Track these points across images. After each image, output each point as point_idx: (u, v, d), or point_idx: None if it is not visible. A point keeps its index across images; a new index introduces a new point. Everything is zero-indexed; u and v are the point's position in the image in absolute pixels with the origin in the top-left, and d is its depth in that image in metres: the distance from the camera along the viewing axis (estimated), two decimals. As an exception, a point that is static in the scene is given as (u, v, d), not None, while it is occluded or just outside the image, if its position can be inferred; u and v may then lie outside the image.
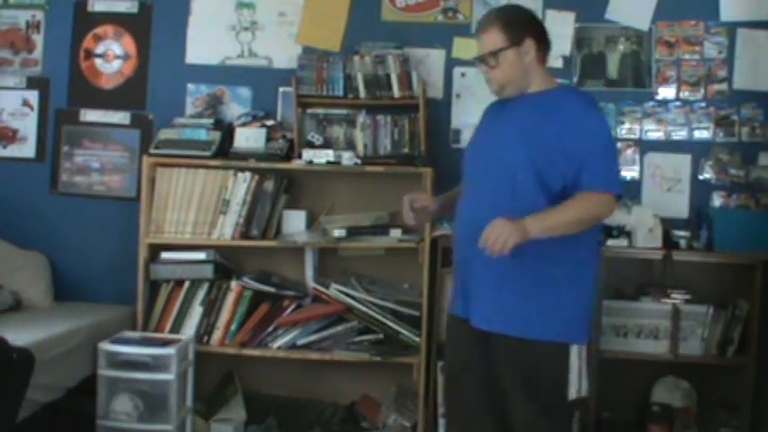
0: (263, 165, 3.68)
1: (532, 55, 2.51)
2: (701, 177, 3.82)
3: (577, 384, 2.44)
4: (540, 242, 2.33)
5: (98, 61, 4.04)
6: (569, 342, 2.43)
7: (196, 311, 3.69)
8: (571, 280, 2.44)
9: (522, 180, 2.41)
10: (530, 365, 2.40)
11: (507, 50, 2.48)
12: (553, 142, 2.40)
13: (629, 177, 3.85)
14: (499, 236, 2.27)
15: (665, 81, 3.85)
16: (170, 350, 3.35)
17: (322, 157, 3.61)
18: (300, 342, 3.62)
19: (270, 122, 3.83)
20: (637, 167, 3.85)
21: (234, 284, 3.69)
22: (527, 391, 2.40)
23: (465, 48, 3.89)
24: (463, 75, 3.88)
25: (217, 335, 3.68)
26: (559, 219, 2.35)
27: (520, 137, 2.44)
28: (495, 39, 2.50)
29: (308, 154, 3.63)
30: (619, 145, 3.85)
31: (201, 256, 3.70)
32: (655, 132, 3.85)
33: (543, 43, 2.54)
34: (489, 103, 2.68)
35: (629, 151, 3.86)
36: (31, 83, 4.06)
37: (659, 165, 3.84)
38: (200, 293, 3.70)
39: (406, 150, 3.75)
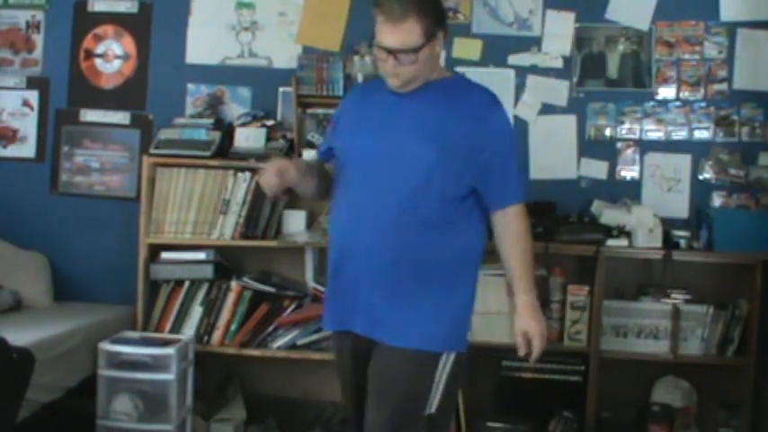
0: (263, 165, 3.66)
1: (441, 45, 2.32)
2: (700, 177, 3.82)
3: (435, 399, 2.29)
4: (416, 248, 2.25)
5: (98, 61, 4.04)
6: (438, 351, 2.28)
7: (196, 311, 3.69)
8: (448, 286, 2.32)
9: (427, 184, 2.23)
10: (390, 373, 2.27)
11: (426, 47, 2.22)
12: (461, 144, 2.24)
13: (629, 177, 3.85)
14: (542, 340, 2.28)
15: (665, 81, 3.85)
16: (170, 350, 3.35)
17: (322, 157, 3.61)
18: (300, 342, 3.62)
19: (270, 122, 3.83)
20: (637, 167, 3.85)
21: (234, 284, 3.69)
22: (382, 398, 2.27)
23: (465, 48, 3.89)
24: (463, 75, 3.88)
25: (217, 335, 3.68)
26: (531, 270, 2.35)
27: (426, 135, 2.24)
28: (414, 34, 2.20)
29: (308, 154, 3.63)
30: (619, 145, 3.86)
31: (201, 256, 3.70)
32: (655, 132, 3.85)
33: (446, 30, 2.35)
34: (358, 88, 2.49)
35: (629, 151, 3.86)
36: (31, 83, 4.06)
37: (659, 165, 3.84)
38: (200, 293, 3.70)
39: (406, 150, 3.75)
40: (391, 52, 2.20)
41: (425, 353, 2.26)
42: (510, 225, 2.33)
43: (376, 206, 2.25)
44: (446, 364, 2.28)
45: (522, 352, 2.28)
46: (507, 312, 3.58)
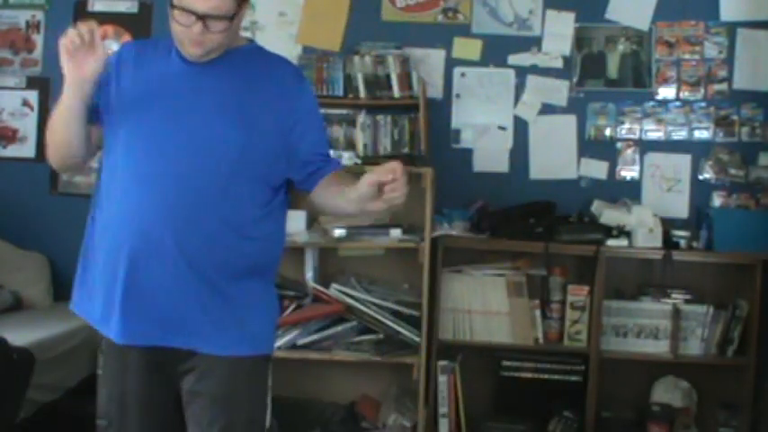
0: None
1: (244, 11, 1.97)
2: (701, 177, 3.82)
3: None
4: (228, 248, 1.95)
5: (98, 61, 4.04)
6: (269, 354, 2.10)
7: (196, 311, 3.68)
8: (265, 280, 2.09)
9: (236, 173, 1.92)
10: (227, 384, 2.01)
11: (239, 13, 1.91)
12: (270, 123, 1.96)
13: (629, 177, 3.85)
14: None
15: (665, 81, 3.85)
16: (170, 350, 3.34)
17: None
18: (300, 342, 3.62)
19: (270, 122, 3.82)
20: (637, 167, 3.85)
21: (234, 284, 3.68)
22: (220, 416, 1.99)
23: (465, 48, 3.89)
24: (463, 75, 3.88)
25: (217, 335, 3.67)
26: None
27: (229, 117, 1.93)
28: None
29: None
30: (619, 145, 3.86)
31: (201, 256, 3.69)
32: (655, 132, 3.85)
33: None
34: (133, 46, 2.12)
35: (629, 151, 3.86)
36: (31, 83, 4.06)
37: (659, 165, 3.84)
38: (200, 293, 3.69)
39: (406, 150, 3.75)
40: (200, 17, 1.84)
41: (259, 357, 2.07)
42: (341, 175, 2.09)
43: (175, 204, 1.89)
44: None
45: (387, 177, 1.88)
46: (507, 312, 3.59)
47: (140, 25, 4.02)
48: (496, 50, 3.88)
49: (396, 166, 1.88)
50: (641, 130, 3.86)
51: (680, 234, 3.60)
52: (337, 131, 3.84)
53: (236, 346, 2.00)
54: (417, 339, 3.53)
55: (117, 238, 1.92)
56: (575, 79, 3.87)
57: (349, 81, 3.76)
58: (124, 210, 1.92)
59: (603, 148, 3.87)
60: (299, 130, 2.00)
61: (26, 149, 4.07)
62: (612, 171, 3.86)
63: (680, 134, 3.84)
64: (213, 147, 1.91)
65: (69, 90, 1.96)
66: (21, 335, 3.00)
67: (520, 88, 3.88)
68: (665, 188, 3.84)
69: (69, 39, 1.88)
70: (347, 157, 3.60)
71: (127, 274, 1.91)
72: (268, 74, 2.01)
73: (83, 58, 1.89)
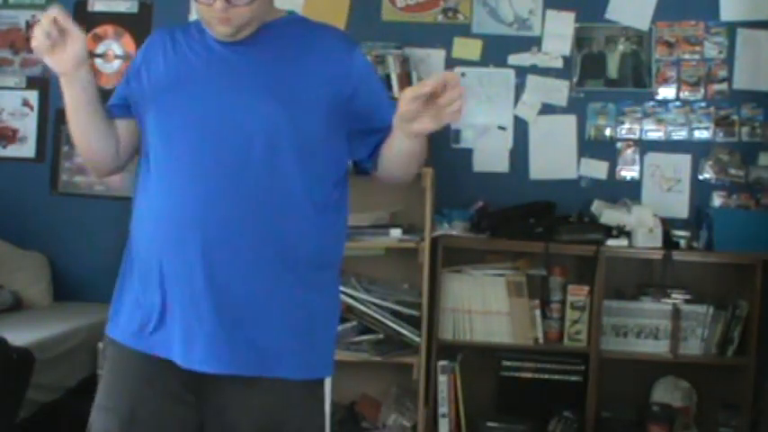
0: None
1: None
2: (700, 177, 3.82)
3: None
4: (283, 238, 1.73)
5: (98, 61, 4.04)
6: (323, 377, 1.83)
7: (196, 311, 3.68)
8: (328, 296, 1.85)
9: (286, 159, 1.72)
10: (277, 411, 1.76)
11: None
12: (318, 95, 1.76)
13: (629, 177, 3.85)
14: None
15: (665, 81, 3.85)
16: (170, 350, 3.34)
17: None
18: (300, 342, 3.62)
19: (270, 122, 3.82)
20: (637, 167, 3.85)
21: (234, 284, 3.68)
22: None
23: (465, 48, 3.89)
24: (463, 75, 3.88)
25: (217, 335, 3.67)
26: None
27: (266, 90, 1.73)
28: None
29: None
30: (619, 145, 3.86)
31: (201, 256, 3.69)
32: (655, 132, 3.85)
33: None
34: (167, 31, 1.87)
35: (629, 151, 3.86)
36: (31, 83, 4.06)
37: (659, 165, 3.84)
38: (201, 293, 3.69)
39: (405, 150, 3.75)
40: None
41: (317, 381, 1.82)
42: None
43: (219, 199, 1.70)
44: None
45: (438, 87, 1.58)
46: (507, 312, 3.58)
47: (140, 25, 4.02)
48: (496, 50, 3.88)
49: (449, 74, 1.66)
50: (641, 130, 3.86)
51: (680, 234, 3.60)
52: (337, 131, 3.84)
53: (308, 365, 1.77)
54: (417, 339, 3.53)
55: (181, 245, 1.69)
56: (575, 79, 3.87)
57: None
58: (178, 208, 1.71)
59: (603, 148, 3.87)
60: (360, 98, 1.81)
61: (26, 149, 4.07)
62: (612, 171, 3.86)
63: (680, 134, 3.84)
64: (254, 126, 1.71)
65: (63, 81, 1.82)
66: (21, 335, 3.00)
67: (520, 88, 3.88)
68: (665, 188, 3.84)
69: (38, 41, 1.69)
70: (347, 157, 3.60)
71: (213, 283, 1.68)
72: (311, 44, 1.82)
73: (60, 49, 1.71)
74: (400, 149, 1.74)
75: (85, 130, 1.84)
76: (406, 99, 1.61)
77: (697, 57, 3.83)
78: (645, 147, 3.85)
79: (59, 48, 1.71)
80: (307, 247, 1.75)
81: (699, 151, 3.83)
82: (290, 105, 1.72)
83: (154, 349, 1.73)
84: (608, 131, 3.87)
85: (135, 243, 1.81)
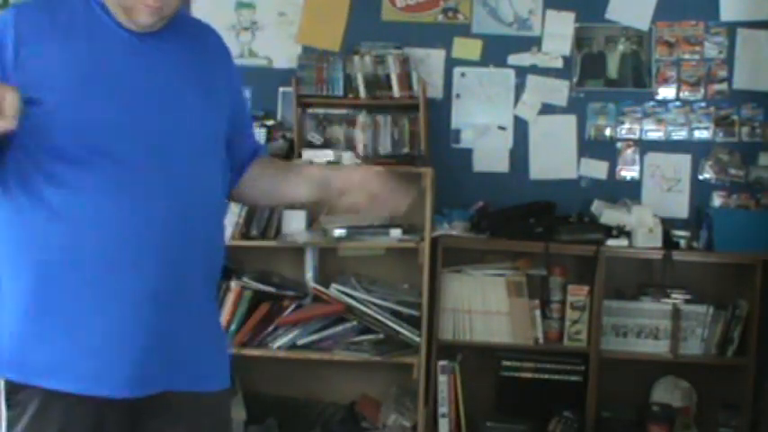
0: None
1: None
2: (701, 177, 3.82)
3: None
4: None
5: (98, 61, 4.04)
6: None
7: (196, 311, 3.68)
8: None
9: (211, 154, 1.63)
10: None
11: None
12: (224, 95, 1.68)
13: (629, 177, 3.85)
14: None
15: (665, 81, 3.85)
16: (170, 350, 3.34)
17: (322, 157, 3.60)
18: (300, 342, 3.62)
19: (270, 122, 3.83)
20: (637, 167, 3.85)
21: (234, 284, 3.68)
22: None
23: (465, 48, 3.89)
24: (463, 75, 3.88)
25: (217, 335, 3.67)
26: None
27: (195, 88, 1.61)
28: None
29: (307, 154, 3.62)
30: (619, 145, 3.86)
31: (201, 256, 3.69)
32: (655, 132, 3.85)
33: None
34: (31, 10, 1.55)
35: (629, 151, 3.86)
36: (31, 83, 4.05)
37: (659, 165, 3.84)
38: (200, 293, 3.69)
39: (406, 150, 3.75)
40: None
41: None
42: (273, 160, 1.90)
43: (167, 204, 1.53)
44: None
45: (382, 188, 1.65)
46: (507, 312, 3.58)
47: (140, 25, 4.01)
48: (496, 50, 3.88)
49: (382, 173, 1.67)
50: (641, 130, 3.86)
51: (680, 234, 3.60)
52: (337, 131, 3.85)
53: (219, 376, 1.68)
54: (417, 339, 3.53)
55: (112, 264, 1.49)
56: (575, 79, 3.87)
57: (349, 81, 3.76)
58: (105, 227, 1.49)
59: (603, 148, 3.87)
60: (237, 104, 1.74)
61: (26, 149, 4.07)
62: (612, 171, 3.86)
63: (680, 134, 3.84)
64: (192, 127, 1.57)
65: None
66: (21, 335, 3.00)
67: (520, 88, 3.88)
68: (665, 188, 3.84)
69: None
70: (347, 158, 3.60)
71: (140, 305, 1.53)
72: (206, 40, 1.72)
73: None
74: (291, 195, 1.77)
75: None
76: (353, 181, 1.67)
77: (697, 57, 3.83)
78: (645, 147, 3.85)
79: None
80: (221, 252, 1.69)
81: (699, 151, 3.83)
82: (212, 104, 1.62)
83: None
84: (608, 131, 3.87)
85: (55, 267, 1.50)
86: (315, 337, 3.61)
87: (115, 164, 1.49)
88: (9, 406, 1.53)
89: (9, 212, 1.51)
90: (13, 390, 1.52)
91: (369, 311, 3.58)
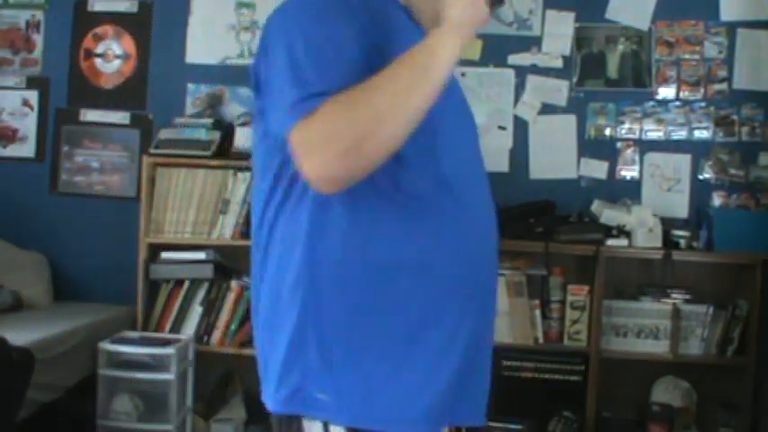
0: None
1: None
2: (701, 177, 3.82)
3: None
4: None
5: (98, 61, 4.04)
6: None
7: (196, 311, 3.69)
8: None
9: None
10: None
11: None
12: None
13: (629, 177, 3.85)
14: None
15: (665, 81, 3.85)
16: (170, 350, 3.35)
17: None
18: (300, 342, 3.62)
19: (270, 122, 3.82)
20: (637, 167, 3.85)
21: (234, 284, 3.69)
22: None
23: (465, 47, 3.88)
24: (463, 74, 3.88)
25: (217, 335, 3.68)
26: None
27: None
28: None
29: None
30: (619, 145, 3.86)
31: (201, 255, 3.69)
32: (655, 132, 3.85)
33: None
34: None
35: (629, 151, 3.86)
36: (31, 83, 4.06)
37: (659, 165, 3.84)
38: (200, 293, 3.70)
39: (406, 150, 3.75)
40: None
41: None
42: None
43: (485, 231, 1.53)
44: None
45: None
46: (507, 312, 3.58)
47: (140, 25, 4.01)
48: (496, 50, 3.88)
49: None
50: (641, 130, 3.86)
51: (680, 234, 3.60)
52: (337, 131, 3.84)
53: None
54: (417, 339, 3.52)
55: (462, 286, 1.45)
56: (575, 79, 3.87)
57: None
58: (452, 237, 1.44)
59: (603, 148, 3.87)
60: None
61: (26, 149, 4.07)
62: (612, 171, 3.86)
63: (680, 134, 3.84)
64: (479, 145, 1.55)
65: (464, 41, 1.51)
66: (21, 335, 3.00)
67: (520, 88, 3.88)
68: (665, 188, 3.84)
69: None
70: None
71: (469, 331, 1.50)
72: None
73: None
74: None
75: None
76: None
77: (697, 57, 3.83)
78: (645, 147, 3.85)
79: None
80: None
81: (699, 151, 3.83)
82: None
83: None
84: (608, 131, 3.87)
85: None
86: (315, 336, 3.61)
87: (461, 160, 1.51)
88: None
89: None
90: None
91: (369, 311, 3.57)
